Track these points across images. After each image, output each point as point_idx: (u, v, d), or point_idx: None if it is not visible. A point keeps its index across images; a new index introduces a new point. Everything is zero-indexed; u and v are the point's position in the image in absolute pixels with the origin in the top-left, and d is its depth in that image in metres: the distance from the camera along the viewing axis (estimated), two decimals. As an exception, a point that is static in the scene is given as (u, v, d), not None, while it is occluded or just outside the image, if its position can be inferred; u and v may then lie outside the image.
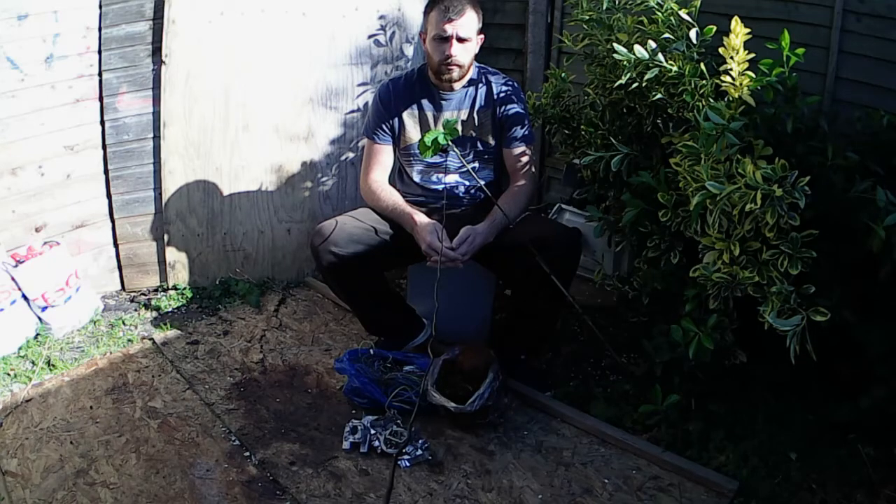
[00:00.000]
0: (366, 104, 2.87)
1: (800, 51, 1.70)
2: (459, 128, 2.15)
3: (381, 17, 2.82)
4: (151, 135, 2.61)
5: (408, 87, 2.26)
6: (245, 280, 2.85)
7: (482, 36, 2.18)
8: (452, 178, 2.30)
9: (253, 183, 2.79)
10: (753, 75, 1.69)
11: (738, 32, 1.67)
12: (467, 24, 2.09)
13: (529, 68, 3.08)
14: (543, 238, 2.06)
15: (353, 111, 2.88)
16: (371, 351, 2.22)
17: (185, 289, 2.78)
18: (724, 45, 1.69)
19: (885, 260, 1.61)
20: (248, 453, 1.94)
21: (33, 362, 2.34)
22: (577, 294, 2.41)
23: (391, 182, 2.34)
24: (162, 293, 2.78)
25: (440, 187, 2.30)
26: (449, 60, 2.12)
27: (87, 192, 2.61)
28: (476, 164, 2.28)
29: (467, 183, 2.30)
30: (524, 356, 2.28)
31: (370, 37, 2.82)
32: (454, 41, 2.09)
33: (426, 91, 2.25)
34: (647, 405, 1.99)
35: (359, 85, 2.86)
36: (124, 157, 2.61)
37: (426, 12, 2.14)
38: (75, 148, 2.53)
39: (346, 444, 1.95)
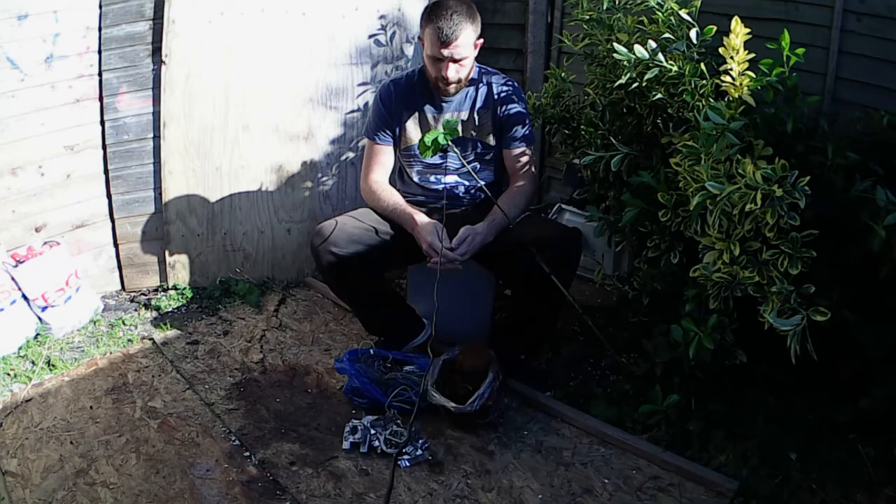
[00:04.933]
0: (366, 104, 2.87)
1: (800, 51, 1.70)
2: (459, 128, 2.16)
3: (382, 17, 2.82)
4: (151, 135, 2.61)
5: (408, 87, 2.26)
6: (245, 280, 2.85)
7: (481, 40, 2.16)
8: (452, 179, 2.30)
9: (253, 183, 2.79)
10: (753, 75, 1.69)
11: (738, 32, 1.67)
12: (463, 44, 2.05)
13: (529, 68, 3.08)
14: (543, 238, 2.06)
15: (353, 111, 2.88)
16: (371, 351, 2.22)
17: (185, 289, 2.78)
18: (724, 45, 1.69)
19: (885, 260, 1.61)
20: (248, 453, 1.94)
21: (33, 362, 2.34)
22: (577, 294, 2.41)
23: (391, 182, 2.34)
24: (162, 293, 2.78)
25: (440, 187, 2.30)
26: (445, 81, 2.12)
27: (87, 192, 2.61)
28: (476, 165, 2.28)
29: (467, 183, 2.30)
30: (524, 356, 2.28)
31: (370, 36, 2.82)
32: (449, 63, 2.08)
33: (427, 92, 2.24)
34: (647, 405, 1.99)
35: (359, 85, 2.86)
36: (124, 157, 2.61)
37: (422, 24, 2.12)
38: (75, 148, 2.53)
39: (346, 444, 1.95)
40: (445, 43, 2.03)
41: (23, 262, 2.40)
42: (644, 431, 2.00)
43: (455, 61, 2.08)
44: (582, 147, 2.30)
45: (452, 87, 2.16)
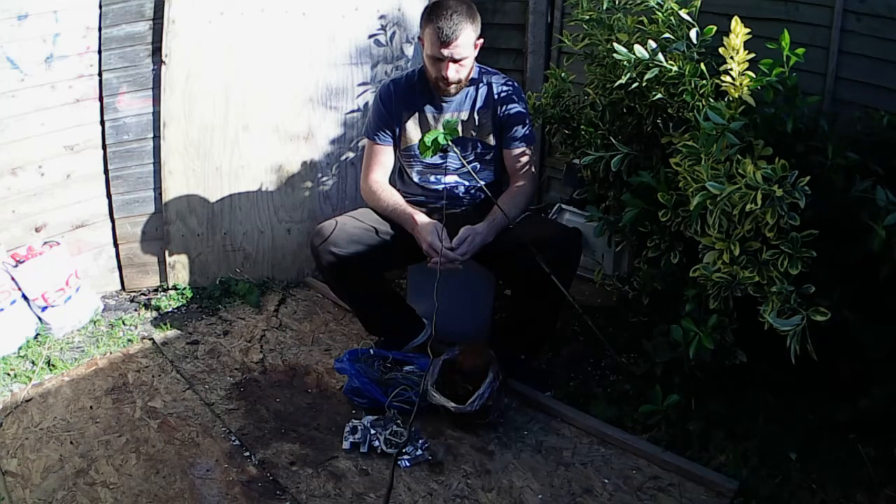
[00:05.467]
0: (366, 104, 2.87)
1: (800, 51, 1.70)
2: (459, 128, 2.15)
3: (382, 17, 2.82)
4: (151, 135, 2.61)
5: (408, 87, 2.26)
6: (245, 280, 2.85)
7: (481, 40, 2.16)
8: (452, 179, 2.30)
9: (253, 183, 2.79)
10: (753, 75, 1.69)
11: (738, 32, 1.67)
12: (463, 44, 2.05)
13: (529, 68, 3.08)
14: (543, 238, 2.06)
15: (353, 111, 2.88)
16: (371, 351, 2.22)
17: (185, 289, 2.78)
18: (724, 45, 1.69)
19: (885, 260, 1.61)
20: (248, 453, 1.94)
21: (33, 362, 2.34)
22: (577, 294, 2.41)
23: (391, 182, 2.34)
24: (162, 293, 2.78)
25: (440, 187, 2.30)
26: (445, 81, 2.12)
27: (87, 192, 2.61)
28: (476, 165, 2.28)
29: (467, 183, 2.30)
30: (524, 356, 2.28)
31: (370, 36, 2.82)
32: (450, 63, 2.08)
33: (427, 92, 2.24)
34: (647, 405, 1.99)
35: (359, 85, 2.86)
36: (124, 157, 2.61)
37: (422, 24, 2.12)
38: (75, 148, 2.53)
39: (346, 444, 1.95)
40: (445, 43, 2.03)
41: (23, 262, 2.40)
42: (644, 431, 2.00)
43: (455, 61, 2.08)
44: (582, 147, 2.30)
45: (453, 88, 2.16)
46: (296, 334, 2.57)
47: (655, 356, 1.99)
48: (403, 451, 1.90)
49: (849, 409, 1.84)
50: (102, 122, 2.55)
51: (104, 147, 2.58)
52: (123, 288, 2.81)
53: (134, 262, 2.78)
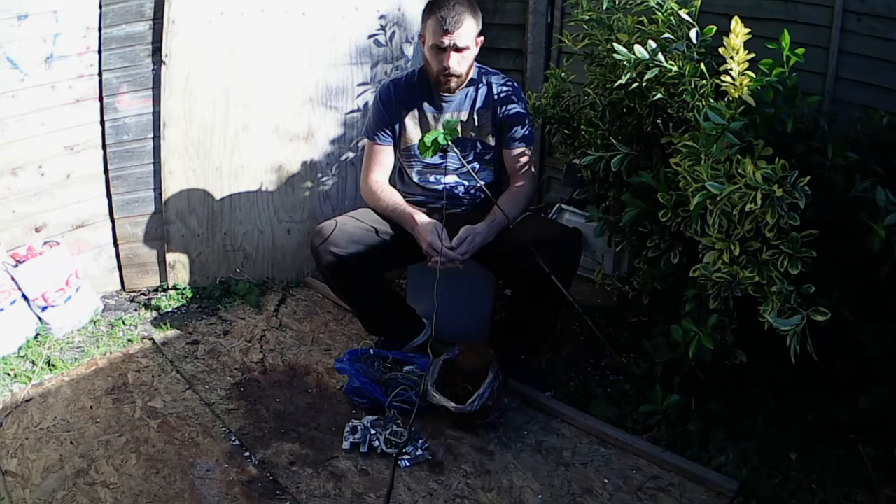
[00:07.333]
0: (366, 104, 2.87)
1: (800, 51, 1.70)
2: (459, 128, 2.15)
3: (382, 17, 2.82)
4: (151, 135, 2.61)
5: (408, 87, 2.26)
6: (245, 280, 2.86)
7: (482, 38, 2.17)
8: (452, 179, 2.30)
9: (253, 183, 2.79)
10: (753, 75, 1.69)
11: (738, 32, 1.67)
12: (465, 34, 2.06)
13: (529, 68, 3.08)
14: (543, 238, 2.06)
15: (353, 111, 2.88)
16: (371, 351, 2.22)
17: (185, 289, 2.78)
18: (724, 45, 1.69)
19: (885, 260, 1.61)
20: (248, 453, 1.94)
21: (33, 362, 2.34)
22: (577, 294, 2.41)
23: (391, 182, 2.34)
24: (162, 293, 2.78)
25: (440, 187, 2.30)
26: (447, 72, 2.12)
27: (87, 192, 2.61)
28: (476, 165, 2.28)
29: (467, 183, 2.31)
30: (524, 356, 2.28)
31: (370, 37, 2.82)
32: (452, 52, 2.09)
33: (426, 92, 2.24)
34: (647, 405, 1.99)
35: (359, 85, 2.86)
36: (124, 157, 2.62)
37: (424, 18, 2.13)
38: (75, 148, 2.53)
39: (346, 444, 1.95)
40: (448, 31, 2.04)
41: (23, 262, 2.40)
42: (644, 431, 2.00)
43: (457, 50, 2.08)
44: (582, 147, 2.30)
45: (454, 82, 2.16)
46: (296, 334, 2.57)
47: (655, 356, 1.99)
48: (403, 451, 1.90)
49: (849, 409, 1.84)
50: (102, 122, 2.55)
51: (104, 147, 2.58)
52: (123, 288, 2.81)
53: (134, 262, 2.78)
